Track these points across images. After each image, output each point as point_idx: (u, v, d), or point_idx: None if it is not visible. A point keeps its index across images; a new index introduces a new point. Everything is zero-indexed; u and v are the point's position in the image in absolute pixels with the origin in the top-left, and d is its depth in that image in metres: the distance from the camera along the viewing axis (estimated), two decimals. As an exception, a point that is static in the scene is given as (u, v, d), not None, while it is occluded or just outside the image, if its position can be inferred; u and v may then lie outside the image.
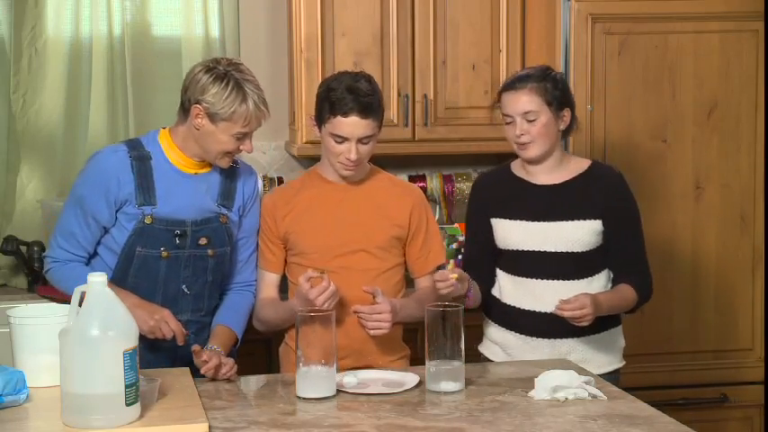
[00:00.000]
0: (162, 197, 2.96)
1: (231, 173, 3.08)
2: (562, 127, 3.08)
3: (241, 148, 2.95)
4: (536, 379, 2.70)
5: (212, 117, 2.89)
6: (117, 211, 2.96)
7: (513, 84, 3.07)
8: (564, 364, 2.91)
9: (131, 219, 2.95)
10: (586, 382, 2.69)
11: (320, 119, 3.02)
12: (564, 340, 3.09)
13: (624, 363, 3.22)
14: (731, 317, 3.99)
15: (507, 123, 3.07)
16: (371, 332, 2.97)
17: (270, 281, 3.14)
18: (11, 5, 4.12)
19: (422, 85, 4.10)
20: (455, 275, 2.89)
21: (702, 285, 3.96)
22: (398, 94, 4.07)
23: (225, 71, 2.90)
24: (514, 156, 3.17)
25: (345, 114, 2.95)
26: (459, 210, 4.38)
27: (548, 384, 2.65)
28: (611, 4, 3.84)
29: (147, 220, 2.95)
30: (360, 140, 2.98)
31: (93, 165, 3.01)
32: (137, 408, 2.42)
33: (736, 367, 3.99)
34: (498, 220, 3.13)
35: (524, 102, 3.03)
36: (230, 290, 3.13)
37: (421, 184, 4.32)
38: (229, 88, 2.87)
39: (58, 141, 4.19)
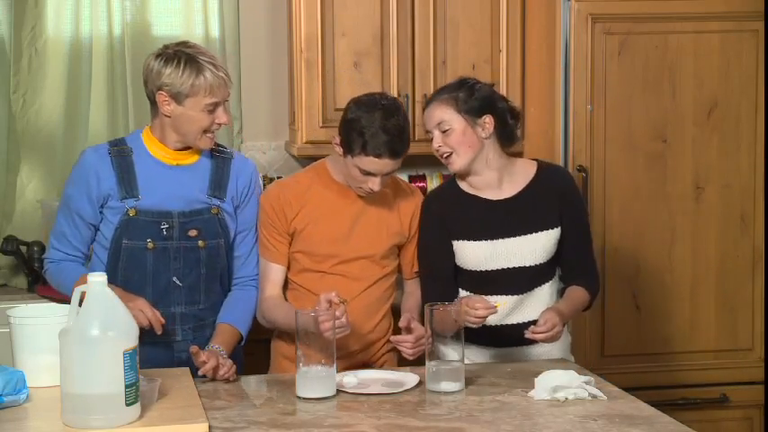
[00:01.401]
0: (145, 189, 2.97)
1: (223, 164, 3.07)
2: (484, 135, 3.01)
3: (216, 121, 2.95)
4: (536, 379, 2.70)
5: (177, 98, 2.91)
6: (102, 208, 2.97)
7: (428, 99, 3.07)
8: (564, 365, 2.92)
9: (116, 213, 2.97)
10: (586, 382, 2.69)
11: (348, 149, 2.95)
12: (527, 346, 3.08)
13: (573, 358, 3.21)
14: (731, 317, 3.99)
15: (430, 140, 3.04)
16: (412, 358, 2.94)
17: (275, 275, 3.10)
18: (11, 5, 4.12)
19: (422, 85, 4.10)
20: (498, 304, 2.86)
21: (702, 285, 3.96)
22: (398, 94, 4.06)
23: (174, 51, 2.92)
24: None
25: (379, 156, 2.91)
26: (459, 210, 4.38)
27: (548, 384, 2.65)
28: (611, 4, 3.84)
29: (131, 213, 2.96)
30: (386, 174, 2.98)
31: (76, 165, 3.05)
32: (137, 408, 2.42)
33: (736, 367, 3.99)
34: (461, 242, 3.06)
35: (436, 115, 3.00)
36: (234, 285, 3.12)
37: (421, 184, 4.32)
38: (182, 64, 2.90)
39: (58, 141, 4.19)
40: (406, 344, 2.89)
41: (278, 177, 4.25)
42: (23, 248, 4.08)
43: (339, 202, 3.08)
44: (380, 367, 3.13)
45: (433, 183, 4.37)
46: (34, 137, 4.18)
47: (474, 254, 3.05)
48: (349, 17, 4.04)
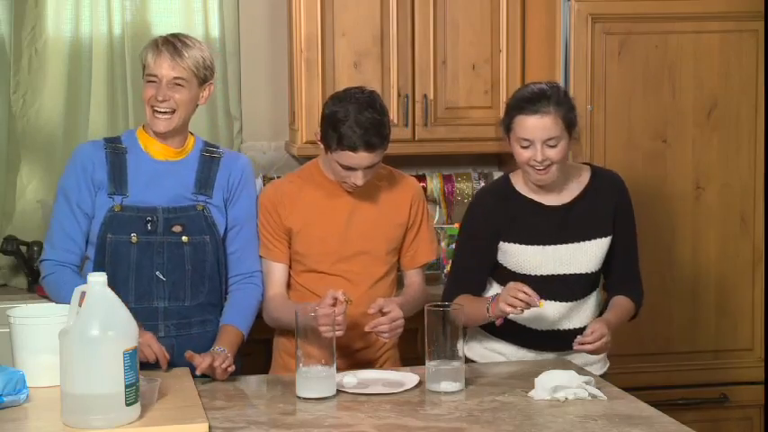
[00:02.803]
0: (133, 187, 2.98)
1: (211, 162, 3.07)
2: (572, 146, 3.02)
3: (157, 96, 2.94)
4: (536, 379, 2.70)
5: (143, 76, 3.01)
6: (94, 198, 2.98)
7: (533, 106, 2.92)
8: (564, 365, 2.92)
9: (102, 207, 2.98)
10: (586, 382, 2.69)
11: (327, 145, 2.98)
12: (570, 353, 3.06)
13: (609, 364, 3.21)
14: (731, 317, 3.99)
15: (524, 147, 2.93)
16: (389, 339, 2.95)
17: (278, 274, 3.11)
18: (11, 5, 4.12)
19: (422, 85, 4.10)
20: (542, 304, 2.83)
21: (702, 285, 3.96)
22: (398, 94, 4.07)
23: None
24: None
25: (354, 150, 2.92)
26: (460, 210, 4.37)
27: (548, 384, 2.65)
28: (611, 4, 3.84)
29: (117, 209, 2.97)
30: (367, 167, 2.98)
31: (72, 157, 3.08)
32: (137, 408, 2.42)
33: (736, 367, 3.99)
34: (511, 245, 3.03)
35: (548, 128, 2.90)
36: (232, 285, 3.10)
37: (421, 185, 4.31)
38: (149, 43, 3.01)
39: (58, 141, 4.19)
40: (383, 327, 2.88)
41: (278, 177, 4.25)
42: (23, 248, 4.08)
43: (332, 199, 3.09)
44: (382, 366, 3.13)
45: (433, 182, 4.37)
46: (34, 137, 4.18)
47: (527, 258, 3.03)
48: (349, 17, 4.04)
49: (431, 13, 4.09)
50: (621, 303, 3.07)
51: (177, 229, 2.99)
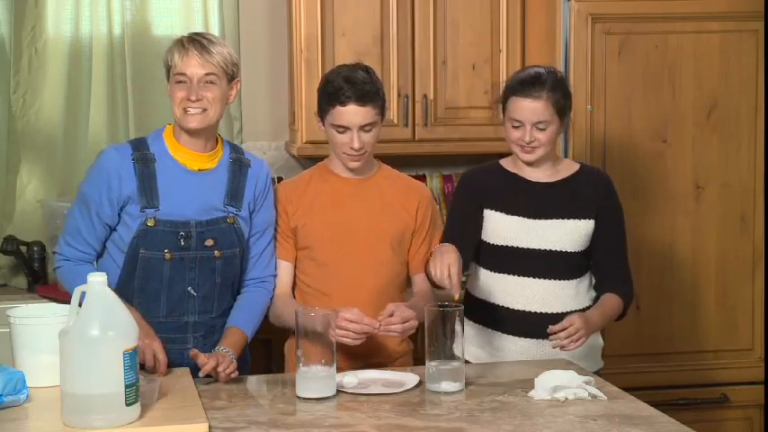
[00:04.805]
0: (165, 198, 2.93)
1: (240, 172, 3.05)
2: (562, 131, 3.12)
3: (191, 97, 2.89)
4: (536, 379, 2.70)
5: (168, 78, 2.96)
6: (121, 210, 2.94)
7: (527, 89, 3.01)
8: (564, 365, 2.92)
9: (135, 219, 2.93)
10: (586, 382, 2.69)
11: (321, 112, 3.04)
12: (550, 341, 3.07)
13: (603, 364, 3.21)
14: (731, 317, 3.99)
15: (514, 127, 3.03)
16: (400, 337, 2.98)
17: (283, 272, 3.12)
18: (11, 5, 4.12)
19: (422, 85, 4.11)
20: (456, 297, 2.86)
21: (702, 285, 3.96)
22: (398, 94, 4.07)
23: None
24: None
25: (343, 103, 2.97)
26: (460, 210, 4.38)
27: (548, 384, 2.66)
28: (611, 4, 3.84)
29: (150, 223, 2.92)
30: (361, 128, 3.00)
31: (97, 163, 3.01)
32: (137, 408, 2.42)
33: (736, 367, 3.99)
34: (493, 212, 3.10)
35: (540, 112, 3.00)
36: (244, 287, 3.09)
37: (421, 185, 4.32)
38: (173, 45, 2.96)
39: (58, 141, 4.19)
40: (396, 326, 2.89)
41: (278, 177, 4.25)
42: (23, 248, 4.08)
43: (339, 190, 3.11)
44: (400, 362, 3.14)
45: (433, 182, 4.38)
46: (34, 137, 4.18)
47: (505, 227, 3.08)
48: (349, 17, 4.04)
49: (431, 13, 4.09)
50: (607, 300, 3.08)
51: (210, 243, 2.97)
